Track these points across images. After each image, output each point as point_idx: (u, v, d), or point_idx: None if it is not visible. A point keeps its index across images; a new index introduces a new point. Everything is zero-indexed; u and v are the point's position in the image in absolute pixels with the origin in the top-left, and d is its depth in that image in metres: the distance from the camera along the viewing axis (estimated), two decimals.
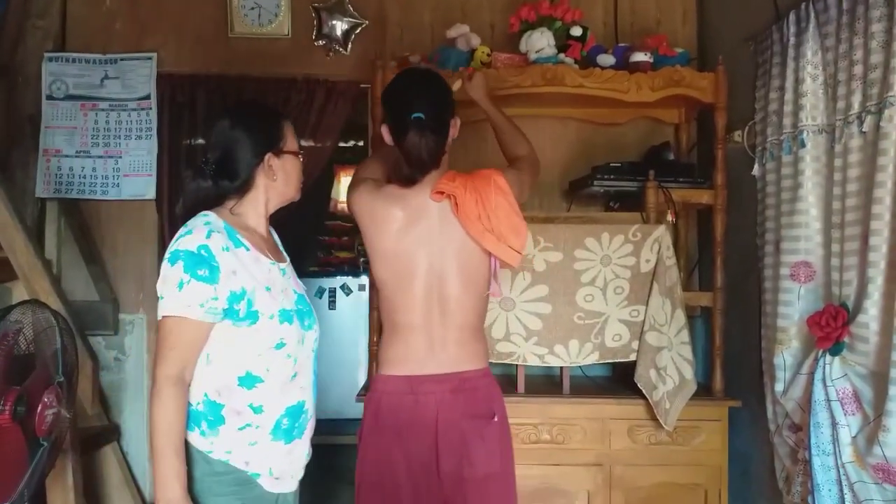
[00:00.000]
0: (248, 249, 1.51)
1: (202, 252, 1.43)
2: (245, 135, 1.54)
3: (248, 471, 1.49)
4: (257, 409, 1.49)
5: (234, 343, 1.47)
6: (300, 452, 1.59)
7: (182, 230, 1.49)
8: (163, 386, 1.41)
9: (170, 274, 1.43)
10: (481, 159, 2.89)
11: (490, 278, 1.85)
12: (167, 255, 1.46)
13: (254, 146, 1.55)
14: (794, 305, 2.10)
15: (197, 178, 1.56)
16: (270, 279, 1.52)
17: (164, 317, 1.44)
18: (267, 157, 1.55)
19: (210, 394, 1.47)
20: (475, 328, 1.84)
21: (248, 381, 1.48)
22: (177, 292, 1.41)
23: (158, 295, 1.46)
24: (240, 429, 1.48)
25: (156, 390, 1.42)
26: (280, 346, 1.50)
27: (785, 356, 2.12)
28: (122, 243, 2.94)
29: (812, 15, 2.05)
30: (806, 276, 2.08)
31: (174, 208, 2.81)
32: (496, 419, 1.79)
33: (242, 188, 1.56)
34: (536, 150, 2.94)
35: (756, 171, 2.37)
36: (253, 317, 1.47)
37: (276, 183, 1.58)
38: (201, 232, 1.46)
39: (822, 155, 2.06)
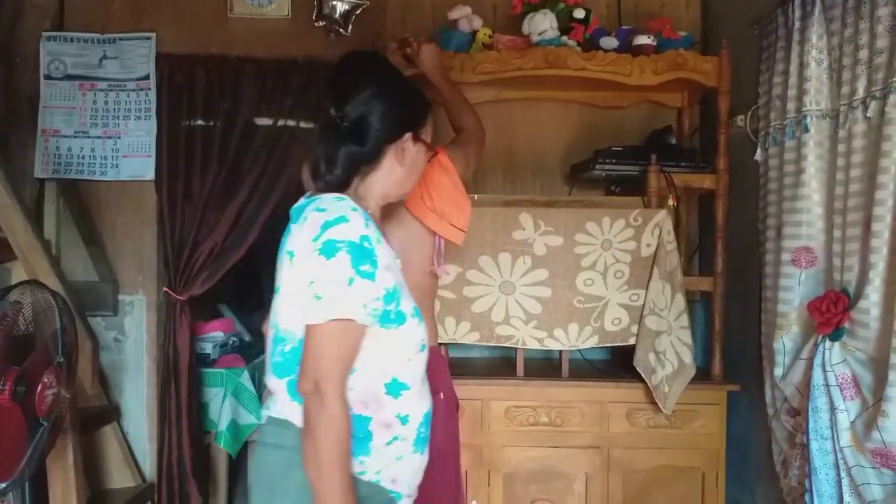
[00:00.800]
0: (380, 241, 1.35)
1: (364, 244, 1.26)
2: (391, 104, 1.38)
3: (392, 490, 1.35)
4: (404, 420, 1.34)
5: (381, 348, 1.31)
6: (423, 464, 1.43)
7: (329, 215, 1.28)
8: (333, 403, 1.22)
9: (331, 270, 1.24)
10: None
11: (433, 256, 1.83)
12: (319, 246, 1.25)
13: (396, 120, 1.39)
14: (794, 291, 2.10)
15: (334, 137, 1.36)
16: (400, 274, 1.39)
17: (329, 321, 1.23)
18: (406, 136, 1.42)
19: (356, 407, 1.30)
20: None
21: (395, 388, 1.33)
22: (345, 290, 1.23)
23: (313, 295, 1.24)
24: (387, 444, 1.33)
25: (324, 410, 1.22)
26: (423, 348, 1.38)
27: (784, 341, 2.13)
28: (121, 224, 2.93)
29: None
30: (807, 262, 2.07)
31: (174, 189, 2.81)
32: (441, 396, 1.73)
33: (370, 162, 1.38)
34: (538, 132, 2.96)
35: (759, 155, 2.36)
36: (400, 318, 1.32)
37: (402, 170, 1.43)
38: (358, 220, 1.28)
39: (825, 140, 2.05)
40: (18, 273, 2.51)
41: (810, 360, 1.97)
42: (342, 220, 1.27)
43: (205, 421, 2.92)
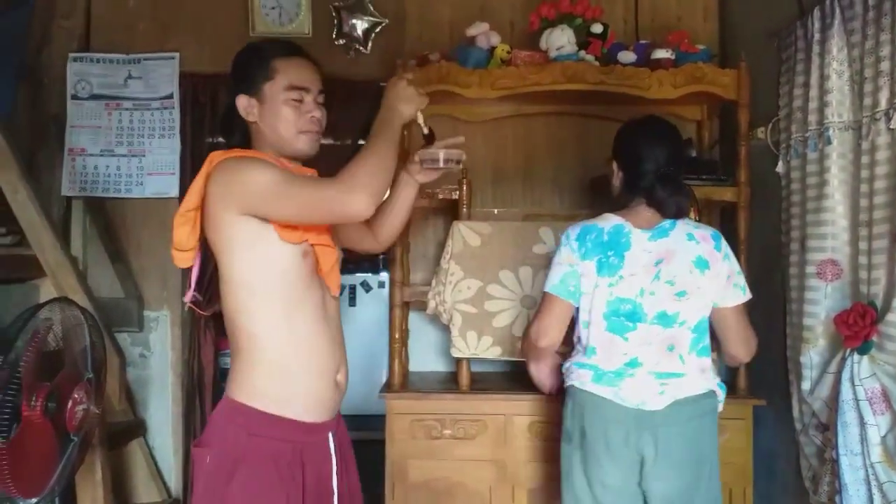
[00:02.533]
0: None
1: None
2: None
3: None
4: None
5: None
6: None
7: (710, 229, 1.93)
8: None
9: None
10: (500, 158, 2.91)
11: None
12: (726, 251, 1.88)
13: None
14: (820, 304, 2.08)
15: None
16: None
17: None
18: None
19: None
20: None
21: None
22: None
23: (739, 285, 1.89)
24: None
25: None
26: None
27: (811, 355, 2.11)
28: (146, 241, 2.98)
29: (837, 10, 2.03)
30: (833, 275, 2.06)
31: None
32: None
33: None
34: (557, 146, 2.97)
35: (780, 168, 2.35)
36: None
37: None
38: None
39: (848, 152, 2.04)
40: (47, 289, 2.55)
41: (838, 374, 1.95)
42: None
43: None
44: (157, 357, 2.95)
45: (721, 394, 1.91)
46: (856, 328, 1.88)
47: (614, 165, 1.97)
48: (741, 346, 1.94)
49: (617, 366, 1.83)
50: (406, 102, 1.52)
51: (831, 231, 2.06)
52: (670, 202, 1.84)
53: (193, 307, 2.89)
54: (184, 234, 1.49)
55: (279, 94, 1.51)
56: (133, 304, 2.89)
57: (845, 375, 1.90)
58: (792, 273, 2.25)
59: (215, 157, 1.47)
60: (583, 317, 1.89)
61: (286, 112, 1.50)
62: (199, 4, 2.99)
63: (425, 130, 1.66)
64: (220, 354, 3.07)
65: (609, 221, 1.89)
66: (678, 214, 1.87)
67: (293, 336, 1.48)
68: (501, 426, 2.40)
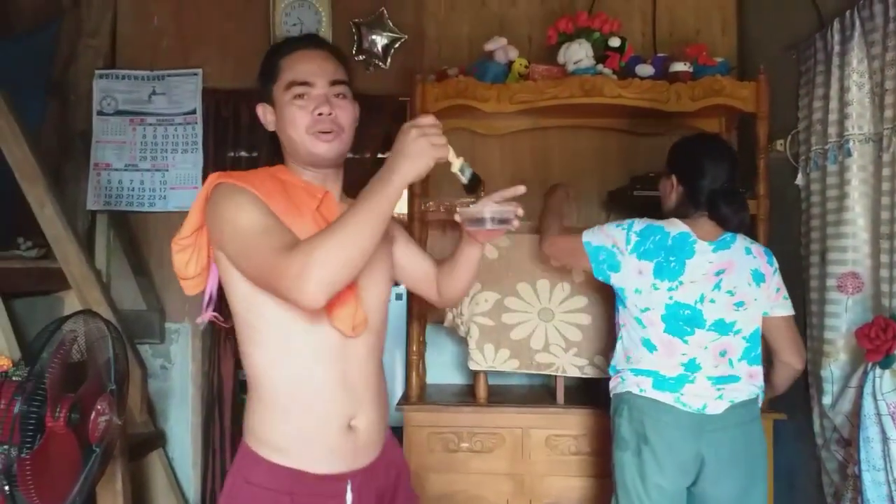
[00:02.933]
0: None
1: None
2: None
3: None
4: None
5: None
6: None
7: (762, 245, 2.04)
8: None
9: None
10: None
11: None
12: (776, 266, 1.98)
13: None
14: (841, 317, 2.07)
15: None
16: None
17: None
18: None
19: None
20: None
21: None
22: None
23: (788, 299, 2.00)
24: None
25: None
26: None
27: (832, 369, 2.09)
28: (167, 254, 2.96)
29: (857, 23, 2.03)
30: (854, 288, 2.04)
31: None
32: None
33: None
34: (575, 159, 2.97)
35: (800, 180, 2.34)
36: None
37: None
38: None
39: (868, 164, 2.02)
40: (71, 302, 2.59)
41: (860, 388, 1.92)
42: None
43: None
44: (177, 368, 2.98)
45: (760, 400, 1.99)
46: (877, 342, 1.86)
47: (673, 179, 2.02)
48: (794, 354, 2.03)
49: (677, 370, 1.90)
50: (413, 158, 1.15)
51: (852, 244, 2.04)
52: (733, 217, 1.93)
53: (214, 320, 2.93)
54: (182, 261, 1.36)
55: (283, 95, 1.35)
56: (155, 316, 2.93)
57: (867, 390, 1.87)
58: (812, 286, 2.23)
59: (213, 179, 1.31)
60: (633, 313, 1.94)
61: (290, 113, 1.34)
62: (222, 21, 3.04)
63: (464, 179, 1.26)
64: (240, 367, 3.10)
65: (676, 227, 1.94)
66: (739, 228, 1.96)
67: (290, 376, 1.31)
68: (519, 439, 2.39)
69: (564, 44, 2.57)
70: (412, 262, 1.60)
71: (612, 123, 2.86)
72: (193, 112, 3.02)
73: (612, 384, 2.01)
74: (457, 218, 1.36)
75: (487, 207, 1.31)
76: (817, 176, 2.23)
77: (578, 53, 2.53)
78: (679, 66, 2.50)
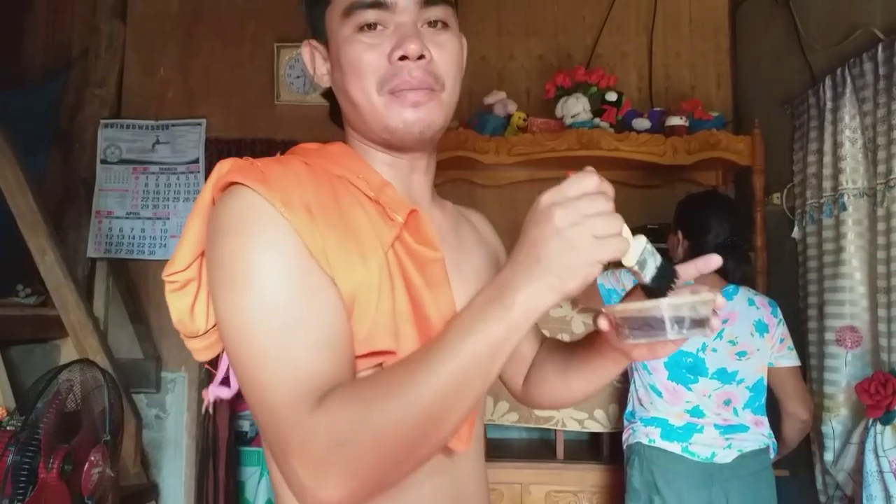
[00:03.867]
0: None
1: None
2: None
3: None
4: None
5: None
6: None
7: (766, 297, 2.02)
8: None
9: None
10: None
11: None
12: (780, 317, 2.00)
13: None
14: (840, 371, 2.06)
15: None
16: None
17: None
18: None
19: None
20: None
21: None
22: None
23: (793, 350, 1.99)
24: None
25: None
26: None
27: (833, 424, 2.07)
28: (165, 302, 3.00)
29: (849, 80, 2.07)
30: (853, 342, 2.04)
31: None
32: None
33: None
34: None
35: (796, 233, 2.36)
36: None
37: None
38: None
39: (864, 218, 2.04)
40: (67, 350, 2.58)
41: (861, 444, 1.90)
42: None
43: (241, 501, 2.91)
44: (172, 418, 2.95)
45: (772, 452, 2.00)
46: (878, 397, 1.84)
47: (679, 235, 2.08)
48: (800, 404, 2.03)
49: (683, 418, 1.92)
50: (560, 270, 0.64)
51: (849, 297, 2.05)
52: (736, 270, 1.99)
53: (210, 368, 2.90)
54: (183, 307, 0.83)
55: (340, 25, 0.82)
56: (151, 364, 2.91)
57: (868, 446, 1.85)
58: (811, 339, 2.23)
59: (222, 171, 0.79)
60: (639, 363, 1.98)
61: (352, 55, 0.81)
62: (227, 73, 3.10)
63: (646, 277, 0.74)
64: (236, 417, 3.07)
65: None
66: (742, 281, 2.02)
67: None
68: (518, 495, 2.35)
69: (562, 98, 2.62)
70: None
71: (609, 176, 2.81)
72: (196, 161, 3.06)
73: (624, 436, 2.04)
74: (601, 324, 0.77)
75: (666, 301, 0.71)
76: (813, 229, 2.25)
77: (576, 107, 2.58)
78: (675, 120, 2.55)
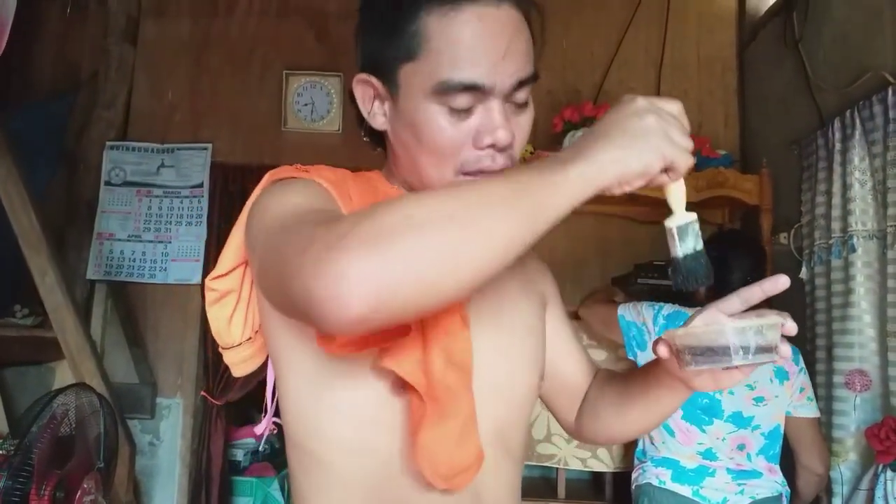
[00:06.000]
0: None
1: None
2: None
3: None
4: None
5: None
6: None
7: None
8: None
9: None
10: None
11: None
12: (802, 365, 1.95)
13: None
14: (850, 416, 2.02)
15: None
16: None
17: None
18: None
19: None
20: None
21: None
22: None
23: (813, 400, 1.97)
24: None
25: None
26: None
27: (842, 470, 2.03)
28: (164, 326, 2.98)
29: (857, 122, 2.07)
30: (862, 385, 2.01)
31: None
32: None
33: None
34: (578, 244, 2.99)
35: (804, 274, 2.34)
36: None
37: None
38: None
39: (874, 261, 2.03)
40: (62, 372, 2.54)
41: (871, 490, 1.86)
42: None
43: None
44: (166, 445, 2.89)
45: (785, 500, 1.95)
46: (888, 443, 1.81)
47: None
48: (814, 458, 1.99)
49: (695, 460, 1.87)
50: (629, 142, 0.64)
51: (858, 340, 2.02)
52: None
53: (206, 395, 2.87)
54: (223, 317, 0.84)
55: (423, 94, 0.76)
56: (147, 390, 2.87)
57: (878, 493, 1.81)
58: (819, 382, 2.19)
59: (270, 175, 0.83)
60: None
61: (435, 130, 0.77)
62: (234, 98, 3.10)
63: (679, 252, 0.73)
64: (230, 446, 3.01)
65: None
66: None
67: None
68: None
69: (570, 132, 2.62)
70: (557, 354, 0.97)
71: (615, 210, 2.88)
72: (200, 185, 3.05)
73: (633, 475, 2.00)
74: (660, 351, 0.76)
75: (731, 325, 0.68)
76: (821, 270, 2.23)
77: None
78: None
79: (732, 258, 1.98)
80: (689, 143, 0.65)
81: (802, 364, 1.99)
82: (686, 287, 0.71)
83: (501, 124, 0.76)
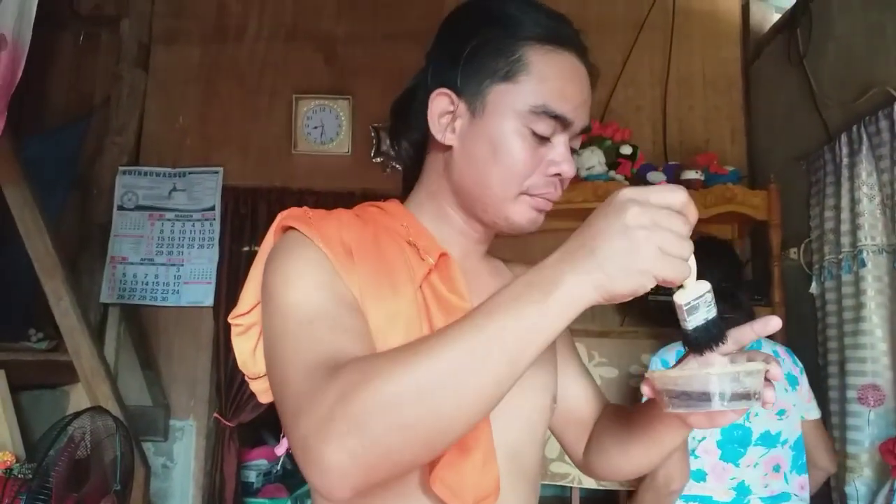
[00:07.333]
0: None
1: None
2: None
3: None
4: None
5: None
6: None
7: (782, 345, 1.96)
8: None
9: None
10: None
11: None
12: (801, 366, 1.93)
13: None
14: (864, 431, 2.01)
15: None
16: None
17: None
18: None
19: None
20: None
21: None
22: None
23: (815, 400, 1.93)
24: None
25: None
26: None
27: (857, 485, 2.02)
28: (177, 349, 3.00)
29: (864, 137, 2.08)
30: (875, 400, 2.00)
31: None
32: None
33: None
34: None
35: (814, 289, 2.34)
36: None
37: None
38: None
39: (884, 275, 2.03)
40: (76, 396, 2.55)
41: None
42: None
43: None
44: (180, 468, 2.90)
45: None
46: None
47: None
48: (827, 458, 1.98)
49: (729, 495, 1.83)
50: (616, 267, 0.60)
51: (870, 354, 2.02)
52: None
53: (219, 417, 2.89)
54: (247, 349, 0.87)
55: (511, 115, 0.83)
56: (160, 412, 2.88)
57: None
58: (832, 397, 2.19)
59: (280, 221, 0.85)
60: (691, 445, 1.86)
61: (513, 150, 0.83)
62: (245, 122, 3.14)
63: (689, 325, 0.71)
64: (242, 467, 3.01)
65: None
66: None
67: None
68: None
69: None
70: (568, 387, 1.01)
71: None
72: (212, 208, 3.08)
73: None
74: (644, 391, 0.77)
75: (716, 370, 0.68)
76: (832, 285, 2.23)
77: (591, 160, 2.60)
78: (691, 174, 2.56)
79: (705, 268, 1.93)
80: (686, 251, 0.61)
81: (801, 365, 1.97)
82: (698, 353, 0.71)
83: (568, 158, 0.85)
